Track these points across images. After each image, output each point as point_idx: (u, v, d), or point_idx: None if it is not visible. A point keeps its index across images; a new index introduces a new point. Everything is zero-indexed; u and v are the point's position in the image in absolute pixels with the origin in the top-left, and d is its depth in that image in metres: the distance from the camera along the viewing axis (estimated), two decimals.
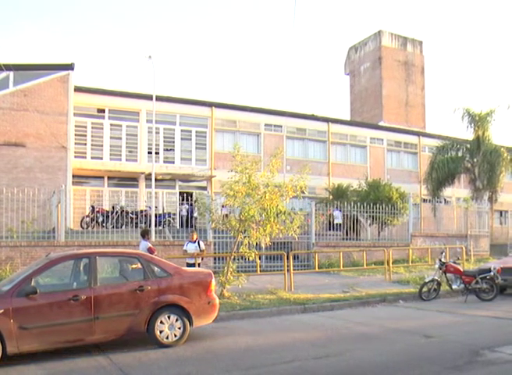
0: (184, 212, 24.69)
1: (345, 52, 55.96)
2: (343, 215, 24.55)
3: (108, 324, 9.15)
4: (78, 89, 27.43)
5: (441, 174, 30.76)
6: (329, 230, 24.72)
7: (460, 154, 31.98)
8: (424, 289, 15.41)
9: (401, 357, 8.58)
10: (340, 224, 24.90)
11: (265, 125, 34.36)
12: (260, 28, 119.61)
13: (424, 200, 32.54)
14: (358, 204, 23.79)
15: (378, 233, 26.20)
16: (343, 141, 37.44)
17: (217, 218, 15.34)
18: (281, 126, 34.84)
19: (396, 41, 51.66)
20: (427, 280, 15.59)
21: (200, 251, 15.81)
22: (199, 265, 15.70)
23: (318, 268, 18.78)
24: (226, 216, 15.97)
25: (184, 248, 16.07)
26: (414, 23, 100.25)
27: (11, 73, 25.06)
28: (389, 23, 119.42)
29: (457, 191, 34.92)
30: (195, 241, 15.84)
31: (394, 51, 51.18)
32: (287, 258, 16.42)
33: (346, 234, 24.49)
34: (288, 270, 16.19)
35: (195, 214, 23.94)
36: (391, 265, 19.02)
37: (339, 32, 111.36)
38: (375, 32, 51.95)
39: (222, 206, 17.48)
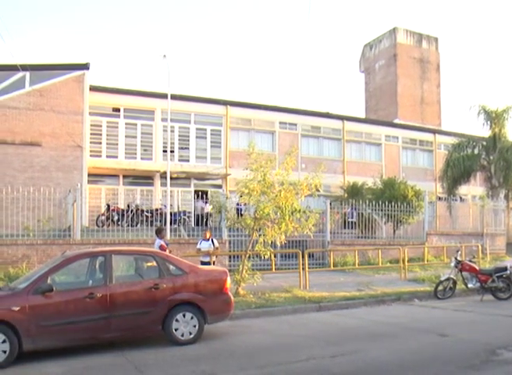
0: (206, 208, 24.50)
1: (360, 50, 55.68)
2: (359, 213, 24.45)
3: (124, 322, 9.20)
4: (93, 88, 27.55)
5: (456, 172, 30.50)
6: (344, 228, 24.63)
7: (476, 151, 31.68)
8: (440, 288, 15.30)
9: (416, 356, 8.53)
10: (355, 222, 24.81)
11: (280, 123, 34.28)
12: (275, 26, 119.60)
13: (440, 198, 32.29)
14: (373, 202, 23.69)
15: (394, 231, 26.07)
16: (358, 138, 37.29)
17: (232, 216, 15.35)
18: (296, 125, 34.75)
19: (412, 38, 51.30)
20: (442, 279, 15.48)
21: (215, 249, 15.81)
22: (214, 263, 15.70)
23: (333, 266, 18.76)
24: (241, 215, 15.92)
25: (198, 246, 16.07)
26: (429, 20, 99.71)
27: (27, 74, 25.22)
28: (404, 20, 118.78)
29: (473, 189, 34.67)
30: (209, 239, 15.86)
31: (409, 48, 50.83)
32: (302, 256, 16.39)
33: (362, 233, 24.39)
34: (303, 269, 16.16)
35: (206, 209, 23.90)
36: (406, 263, 18.92)
37: (354, 29, 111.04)
38: (390, 29, 51.59)
39: (238, 204, 17.48)
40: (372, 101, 52.90)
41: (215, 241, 16.06)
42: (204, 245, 15.83)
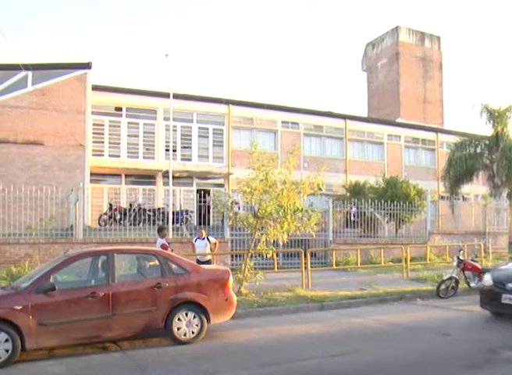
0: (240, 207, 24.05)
1: (362, 49, 55.61)
2: (361, 212, 24.45)
3: (126, 321, 9.21)
4: (96, 88, 27.56)
5: (459, 171, 30.47)
6: (347, 227, 24.63)
7: (478, 150, 31.64)
8: (442, 287, 15.27)
9: (419, 355, 8.53)
10: (357, 222, 24.82)
11: (282, 122, 34.27)
12: (277, 25, 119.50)
13: (442, 197, 32.23)
14: (375, 201, 23.69)
15: (396, 230, 26.06)
16: (361, 137, 37.26)
17: (234, 215, 15.35)
18: (298, 124, 34.72)
19: (414, 37, 51.13)
20: (445, 278, 15.44)
21: (213, 244, 15.87)
22: (209, 261, 15.66)
23: (336, 265, 18.72)
24: (236, 213, 15.85)
25: (195, 244, 16.18)
26: (431, 19, 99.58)
27: (29, 73, 25.25)
28: (406, 19, 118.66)
29: (476, 188, 34.59)
30: (204, 238, 15.89)
31: (412, 47, 50.68)
32: (304, 255, 16.37)
33: (364, 232, 24.39)
34: (305, 268, 16.14)
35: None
36: (408, 262, 18.89)
37: (357, 28, 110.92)
38: (392, 28, 51.45)
39: (235, 203, 17.41)
40: (374, 100, 52.81)
41: (210, 238, 16.10)
42: (200, 244, 15.86)
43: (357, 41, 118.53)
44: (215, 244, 16.22)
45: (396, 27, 50.86)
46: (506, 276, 11.60)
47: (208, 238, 16.00)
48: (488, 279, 11.84)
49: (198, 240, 16.05)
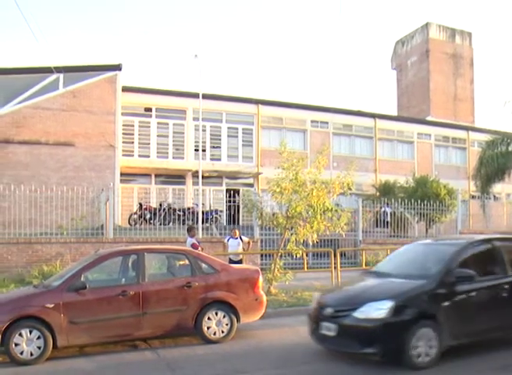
0: None
1: (392, 46, 55.06)
2: (391, 212, 24.25)
3: (156, 319, 9.27)
4: (125, 89, 27.78)
5: (490, 170, 29.95)
6: (376, 227, 24.46)
7: (510, 149, 31.13)
8: None
9: None
10: (387, 221, 24.63)
11: (311, 121, 34.16)
12: (306, 24, 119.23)
13: (473, 196, 31.82)
14: (405, 201, 23.47)
15: (426, 230, 25.79)
16: (390, 136, 36.96)
17: (264, 215, 15.34)
18: (327, 123, 34.57)
19: (444, 33, 50.37)
20: None
21: (246, 243, 15.85)
22: (241, 261, 15.66)
23: (365, 265, 18.58)
24: (266, 213, 15.84)
25: (225, 241, 16.20)
26: (463, 15, 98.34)
27: (61, 75, 25.58)
28: (436, 15, 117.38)
29: (507, 187, 34.01)
30: (237, 238, 15.90)
31: (442, 44, 49.93)
32: (334, 255, 16.31)
33: (394, 232, 24.19)
34: (335, 268, 16.07)
35: None
36: None
37: (386, 26, 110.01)
38: (422, 24, 50.79)
39: (264, 202, 17.38)
40: (404, 98, 52.28)
41: (243, 238, 16.09)
42: (233, 243, 15.86)
43: (387, 39, 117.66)
44: (248, 243, 16.19)
45: (426, 24, 50.18)
46: (332, 297, 8.95)
47: (241, 238, 16.00)
48: (315, 298, 9.31)
49: (231, 239, 16.04)
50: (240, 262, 15.36)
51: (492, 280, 8.61)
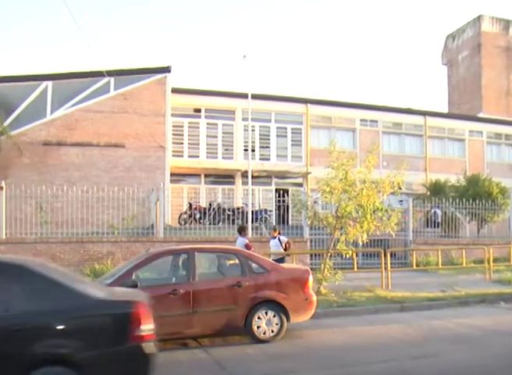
0: None
1: (442, 41, 53.95)
2: (441, 212, 23.84)
3: (206, 318, 9.34)
4: (175, 90, 28.07)
5: None
6: (427, 227, 24.10)
7: None
8: None
9: (500, 361, 8.22)
10: (438, 221, 24.23)
11: (361, 120, 33.91)
12: (353, 20, 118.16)
13: None
14: (456, 200, 23.05)
15: (478, 230, 25.29)
16: (441, 134, 36.34)
17: (313, 215, 15.30)
18: (377, 121, 34.27)
19: (498, 26, 48.79)
20: None
21: (285, 244, 15.70)
22: (282, 260, 15.53)
23: (416, 266, 18.34)
24: (315, 213, 15.73)
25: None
26: None
27: (112, 79, 26.10)
28: (490, 8, 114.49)
29: None
30: (275, 238, 15.82)
31: (495, 37, 48.38)
32: (384, 255, 16.16)
33: (445, 232, 23.78)
34: (385, 268, 15.92)
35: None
36: (491, 264, 18.24)
37: (436, 20, 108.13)
38: (474, 17, 49.42)
39: (314, 202, 17.31)
40: (455, 94, 51.18)
41: (281, 237, 15.94)
42: (271, 244, 15.80)
43: (437, 34, 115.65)
44: (288, 243, 15.99)
45: (479, 17, 48.74)
46: None
47: (279, 238, 15.87)
48: None
49: (271, 239, 16.02)
50: (280, 261, 15.24)
51: None
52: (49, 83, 25.77)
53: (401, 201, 21.59)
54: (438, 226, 24.19)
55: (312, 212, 15.36)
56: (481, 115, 43.55)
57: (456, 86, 51.19)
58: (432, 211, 24.33)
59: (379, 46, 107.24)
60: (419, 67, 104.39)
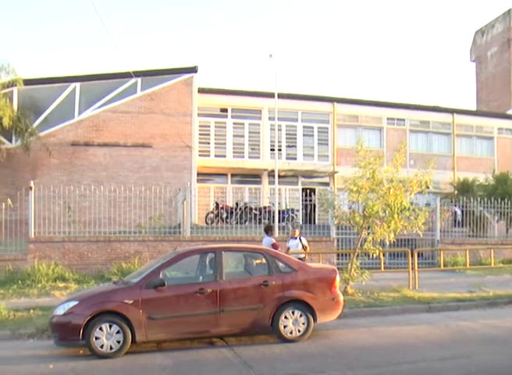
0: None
1: (470, 37, 53.14)
2: (468, 211, 23.50)
3: (233, 317, 9.37)
4: (201, 90, 28.19)
5: None
6: (454, 226, 23.85)
7: None
8: None
9: None
10: (466, 221, 23.92)
11: (388, 119, 33.64)
12: (381, 18, 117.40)
13: None
14: (485, 199, 22.75)
15: (507, 230, 24.93)
16: (469, 132, 35.86)
17: (340, 214, 15.22)
18: (404, 120, 33.97)
19: None
20: None
21: (303, 247, 15.56)
22: (302, 260, 15.37)
23: (443, 266, 18.16)
24: (342, 212, 15.61)
25: (287, 244, 15.96)
26: None
27: (139, 79, 26.35)
28: None
29: None
30: (296, 238, 15.70)
31: None
32: (411, 255, 16.01)
33: (472, 231, 23.50)
34: (412, 268, 15.79)
35: None
36: None
37: (464, 16, 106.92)
38: (504, 12, 48.45)
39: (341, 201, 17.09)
40: (484, 91, 50.36)
41: (302, 239, 15.73)
42: (292, 243, 15.65)
43: (466, 30, 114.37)
44: (306, 247, 15.72)
45: (509, 11, 47.58)
46: None
47: (300, 239, 15.73)
48: None
49: (291, 240, 15.76)
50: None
51: None
52: (77, 85, 26.05)
53: (428, 204, 21.35)
54: (463, 226, 23.91)
55: (339, 212, 15.28)
56: (510, 112, 42.83)
57: (484, 83, 50.37)
58: (453, 210, 24.11)
59: (407, 43, 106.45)
60: (447, 64, 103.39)
